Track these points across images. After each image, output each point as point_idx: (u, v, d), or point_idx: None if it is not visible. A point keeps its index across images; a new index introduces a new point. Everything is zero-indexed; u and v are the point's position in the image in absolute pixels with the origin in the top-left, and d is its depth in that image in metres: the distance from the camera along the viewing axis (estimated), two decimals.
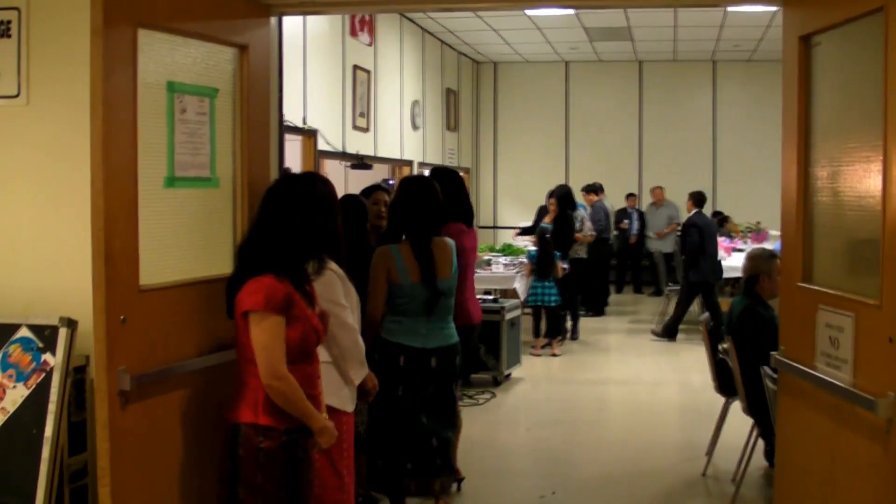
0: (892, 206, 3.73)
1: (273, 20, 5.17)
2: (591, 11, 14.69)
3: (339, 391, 4.62)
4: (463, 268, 6.52)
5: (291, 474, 3.94)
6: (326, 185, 4.44)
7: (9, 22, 5.01)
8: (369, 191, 6.85)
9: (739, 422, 6.73)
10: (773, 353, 4.81)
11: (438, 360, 5.78)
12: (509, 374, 10.50)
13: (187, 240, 4.51)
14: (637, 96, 19.40)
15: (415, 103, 15.79)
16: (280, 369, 3.83)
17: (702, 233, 13.10)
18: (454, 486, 6.67)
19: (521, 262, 12.58)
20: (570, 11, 14.21)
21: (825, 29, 4.38)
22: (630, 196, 17.69)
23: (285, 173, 5.12)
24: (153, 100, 4.26)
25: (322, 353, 4.50)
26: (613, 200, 17.06)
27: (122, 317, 4.02)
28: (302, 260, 4.03)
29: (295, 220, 3.96)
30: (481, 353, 9.99)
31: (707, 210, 14.87)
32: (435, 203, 5.84)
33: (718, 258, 13.17)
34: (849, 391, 4.00)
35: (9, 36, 5.02)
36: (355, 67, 12.95)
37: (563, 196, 12.76)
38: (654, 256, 17.32)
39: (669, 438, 8.35)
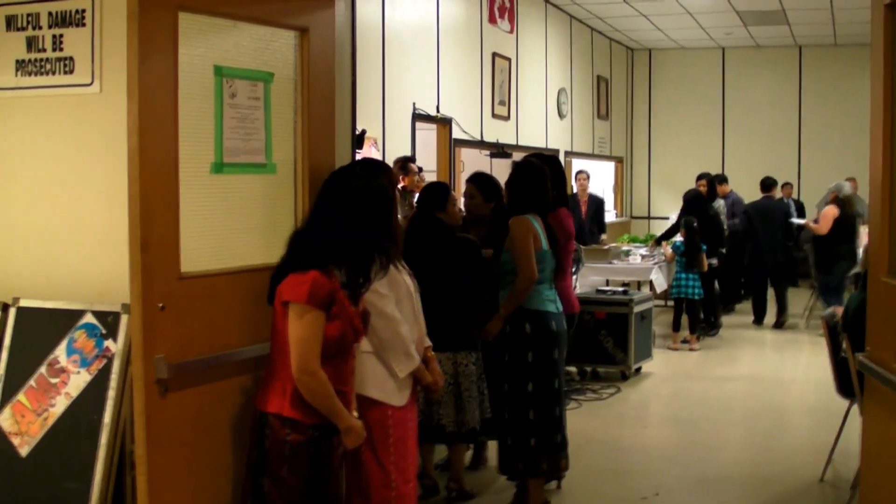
0: None
1: (342, 3, 5.03)
2: None
3: (382, 383, 4.47)
4: (567, 254, 6.42)
5: (316, 469, 3.84)
6: (388, 176, 4.32)
7: (83, 10, 5.05)
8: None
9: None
10: (857, 354, 4.44)
11: (565, 325, 6.01)
12: (639, 369, 10.18)
13: (238, 226, 4.41)
14: (797, 82, 18.62)
15: (561, 91, 15.51)
16: (312, 365, 3.72)
17: (751, 219, 13.48)
18: (554, 484, 6.46)
19: (663, 253, 12.26)
20: None
21: None
22: (786, 185, 16.86)
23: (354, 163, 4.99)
24: (198, 85, 4.18)
25: (364, 343, 4.39)
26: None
27: (160, 304, 3.95)
28: (361, 257, 3.94)
29: (347, 218, 3.90)
30: (608, 347, 9.73)
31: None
32: (546, 181, 6.02)
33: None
34: None
35: (83, 24, 5.06)
36: (494, 55, 12.78)
37: (690, 200, 12.31)
38: None
39: (794, 440, 7.92)
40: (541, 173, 5.98)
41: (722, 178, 14.73)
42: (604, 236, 13.69)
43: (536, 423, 5.79)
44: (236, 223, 4.41)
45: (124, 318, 4.70)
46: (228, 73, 4.32)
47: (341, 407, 3.82)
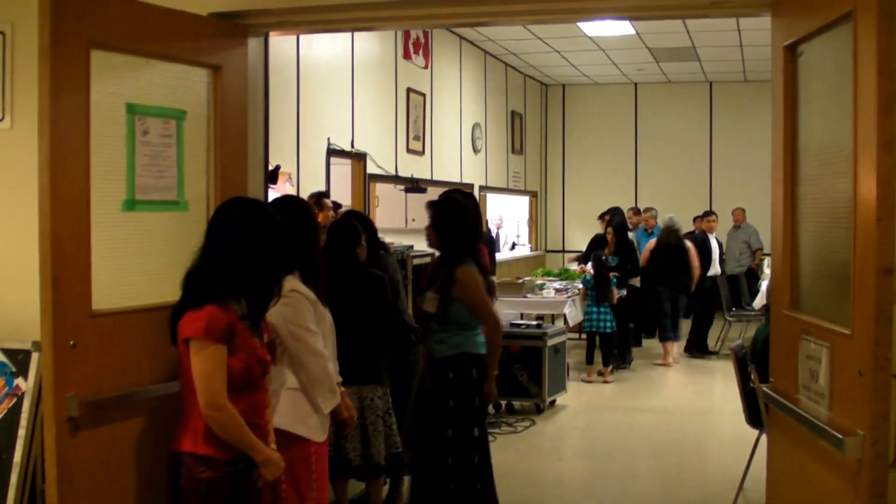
0: (862, 227, 3.48)
1: (255, 41, 5.06)
2: (654, 32, 14.46)
3: (307, 419, 4.45)
4: None
5: None
6: (288, 208, 4.35)
7: None
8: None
9: None
10: (762, 384, 4.56)
11: None
12: (554, 402, 10.26)
13: (151, 264, 4.42)
14: (708, 117, 19.01)
15: (475, 126, 15.64)
16: (219, 400, 3.70)
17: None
18: None
19: (576, 287, 12.39)
20: (616, 24, 13.87)
21: (807, 37, 4.11)
22: (697, 219, 17.10)
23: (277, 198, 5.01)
24: (110, 122, 4.20)
25: (290, 380, 4.39)
26: (683, 223, 16.46)
27: (71, 342, 3.95)
28: (251, 288, 3.90)
29: (236, 247, 3.83)
30: (523, 380, 9.79)
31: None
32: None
33: None
34: (821, 428, 3.73)
35: None
36: (409, 90, 12.86)
37: (619, 226, 12.55)
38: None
39: (707, 470, 8.05)
40: (466, 211, 5.97)
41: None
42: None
43: (481, 467, 5.77)
44: (148, 260, 4.41)
45: (35, 356, 4.66)
46: (141, 111, 4.33)
47: (255, 439, 3.80)
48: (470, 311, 5.68)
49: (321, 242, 6.23)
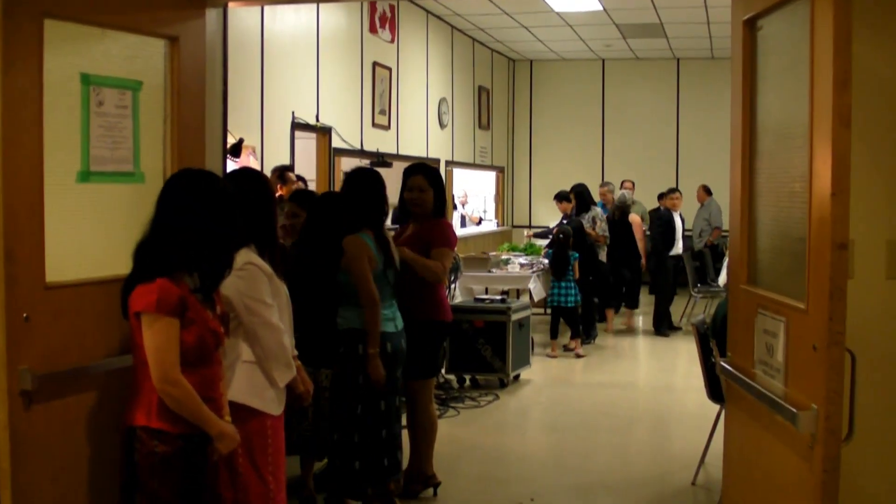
0: (817, 201, 3.49)
1: (213, 11, 5.00)
2: (621, 9, 14.44)
3: (262, 392, 4.43)
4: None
5: (189, 480, 3.79)
6: (244, 180, 4.34)
7: None
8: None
9: None
10: (720, 359, 4.58)
11: (403, 343, 5.86)
12: (518, 376, 10.29)
13: (106, 235, 4.36)
14: (675, 94, 19.07)
15: (442, 101, 15.60)
16: (172, 373, 3.67)
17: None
18: (430, 492, 6.49)
19: (541, 263, 12.42)
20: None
21: (766, 12, 4.11)
22: (663, 196, 17.10)
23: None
24: (64, 93, 4.13)
25: (245, 353, 4.36)
26: (650, 200, 16.46)
27: (24, 314, 3.90)
28: (202, 258, 3.86)
29: (186, 214, 3.79)
30: (487, 355, 9.81)
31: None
32: (385, 195, 5.95)
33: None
34: (776, 402, 3.75)
35: None
36: (375, 64, 12.80)
37: (577, 228, 12.55)
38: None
39: (669, 445, 8.11)
40: (374, 184, 5.91)
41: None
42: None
43: (361, 445, 5.72)
44: (104, 232, 4.36)
45: None
46: (96, 82, 4.27)
47: (209, 413, 3.77)
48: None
49: (297, 217, 6.23)
